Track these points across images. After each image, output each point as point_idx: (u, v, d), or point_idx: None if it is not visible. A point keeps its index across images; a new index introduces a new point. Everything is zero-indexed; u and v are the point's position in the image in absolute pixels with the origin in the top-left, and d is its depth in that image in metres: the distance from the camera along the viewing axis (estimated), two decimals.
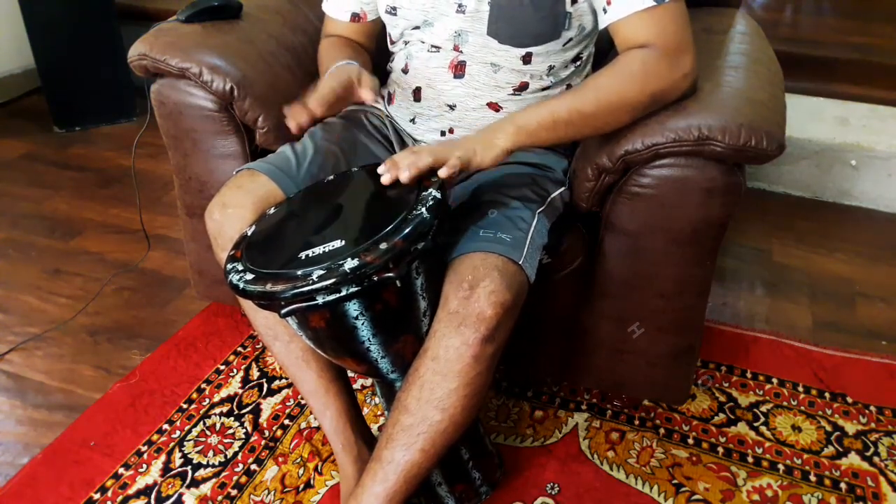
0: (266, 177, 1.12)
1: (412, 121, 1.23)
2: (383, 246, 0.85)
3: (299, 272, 0.86)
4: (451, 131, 1.19)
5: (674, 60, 1.01)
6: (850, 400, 1.43)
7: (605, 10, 1.04)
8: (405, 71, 1.20)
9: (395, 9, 1.14)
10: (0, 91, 2.73)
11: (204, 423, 1.38)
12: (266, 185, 1.11)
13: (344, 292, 0.85)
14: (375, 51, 1.31)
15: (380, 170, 0.96)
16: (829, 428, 1.37)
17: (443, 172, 0.94)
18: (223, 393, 1.45)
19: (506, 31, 1.08)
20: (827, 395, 1.44)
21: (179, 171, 1.40)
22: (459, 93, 1.15)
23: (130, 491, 1.25)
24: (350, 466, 1.15)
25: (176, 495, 1.25)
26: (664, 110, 1.04)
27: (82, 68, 2.49)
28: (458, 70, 1.14)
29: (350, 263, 0.84)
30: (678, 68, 1.01)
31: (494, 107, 1.15)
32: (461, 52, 1.13)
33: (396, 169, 0.94)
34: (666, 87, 1.02)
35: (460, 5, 1.08)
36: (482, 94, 1.15)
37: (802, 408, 1.42)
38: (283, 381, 1.48)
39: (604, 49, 1.26)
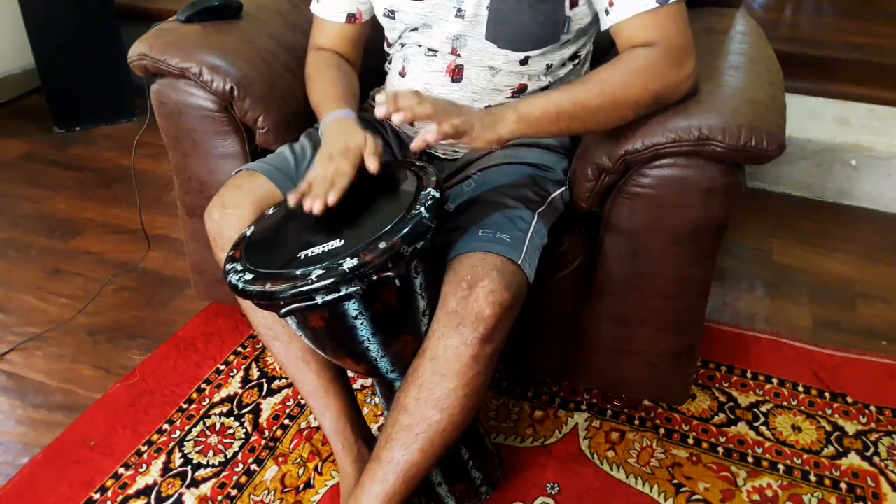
0: (265, 177, 1.12)
1: (411, 123, 1.22)
2: (382, 245, 0.85)
3: (298, 272, 0.86)
4: None
5: (677, 61, 1.00)
6: (850, 400, 1.43)
7: (607, 12, 1.04)
8: (402, 74, 1.20)
9: (392, 12, 1.13)
10: (0, 91, 2.73)
11: (204, 423, 1.38)
12: (265, 186, 1.11)
13: (343, 292, 0.85)
14: (363, 57, 1.30)
15: (378, 99, 0.93)
16: (829, 428, 1.37)
17: (429, 136, 0.92)
18: (223, 393, 1.45)
19: (505, 36, 1.08)
20: (827, 395, 1.44)
21: (179, 171, 1.40)
22: (458, 97, 1.15)
23: (130, 491, 1.25)
24: (350, 466, 1.15)
25: (176, 495, 1.25)
26: (664, 110, 1.03)
27: (82, 68, 2.49)
28: (456, 74, 1.14)
29: (349, 263, 0.84)
30: (681, 69, 1.01)
31: None
32: (459, 55, 1.12)
33: (395, 105, 0.91)
34: (669, 86, 1.01)
35: (459, 10, 1.08)
36: (481, 97, 1.14)
37: (802, 408, 1.41)
38: (283, 381, 1.48)
39: (603, 48, 1.26)
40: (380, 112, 0.92)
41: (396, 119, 0.91)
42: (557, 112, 0.99)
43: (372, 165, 1.00)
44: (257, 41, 1.34)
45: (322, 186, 0.97)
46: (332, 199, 0.95)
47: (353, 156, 1.01)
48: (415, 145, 0.95)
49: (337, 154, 1.01)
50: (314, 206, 0.95)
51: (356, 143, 1.02)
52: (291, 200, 0.98)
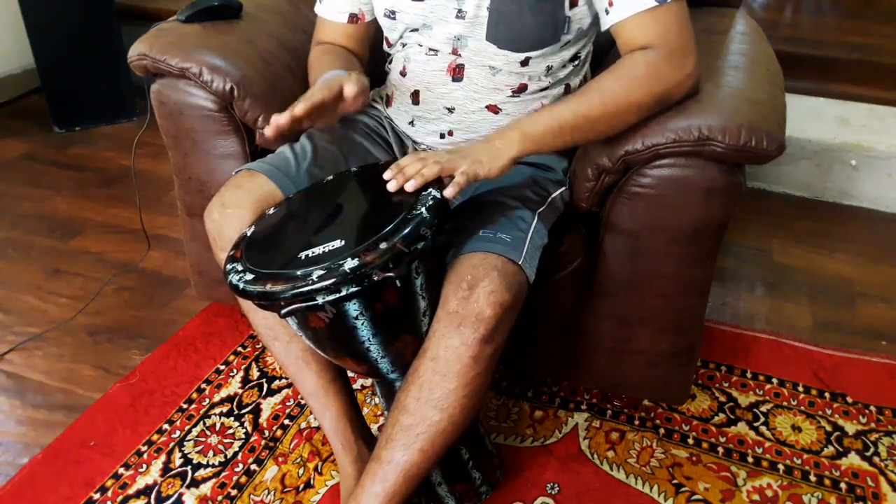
0: (265, 177, 1.12)
1: (411, 123, 1.23)
2: (383, 246, 0.85)
3: (299, 272, 0.86)
4: (450, 133, 1.19)
5: (677, 61, 1.01)
6: (850, 400, 1.43)
7: (607, 12, 1.04)
8: (403, 74, 1.20)
9: (393, 13, 1.13)
10: (0, 91, 2.73)
11: (204, 423, 1.38)
12: (265, 186, 1.11)
13: (344, 292, 0.84)
14: (369, 58, 1.30)
15: (386, 175, 0.95)
16: (829, 428, 1.37)
17: (449, 193, 0.93)
18: (223, 393, 1.45)
19: (505, 37, 1.08)
20: (827, 395, 1.44)
21: (179, 171, 1.40)
22: (458, 96, 1.15)
23: (130, 491, 1.25)
24: (350, 466, 1.15)
25: (176, 495, 1.25)
26: (665, 110, 1.04)
27: (82, 68, 2.49)
28: (457, 73, 1.14)
29: (350, 263, 0.84)
30: (682, 69, 1.01)
31: (493, 109, 1.15)
32: (459, 55, 1.12)
33: (403, 176, 0.94)
34: (671, 87, 1.01)
35: (460, 11, 1.08)
36: (481, 96, 1.14)
37: (802, 408, 1.42)
38: (283, 381, 1.48)
39: (603, 48, 1.26)
40: (391, 186, 0.94)
41: (409, 187, 0.92)
42: (560, 126, 1.00)
43: (348, 89, 1.01)
44: (257, 41, 1.34)
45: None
46: (298, 108, 0.97)
47: (331, 83, 1.03)
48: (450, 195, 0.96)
49: (317, 84, 1.04)
50: (277, 118, 0.97)
51: (338, 75, 1.04)
52: (268, 131, 0.99)
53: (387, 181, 0.95)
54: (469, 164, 0.97)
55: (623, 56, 1.04)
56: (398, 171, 0.95)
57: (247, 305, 1.11)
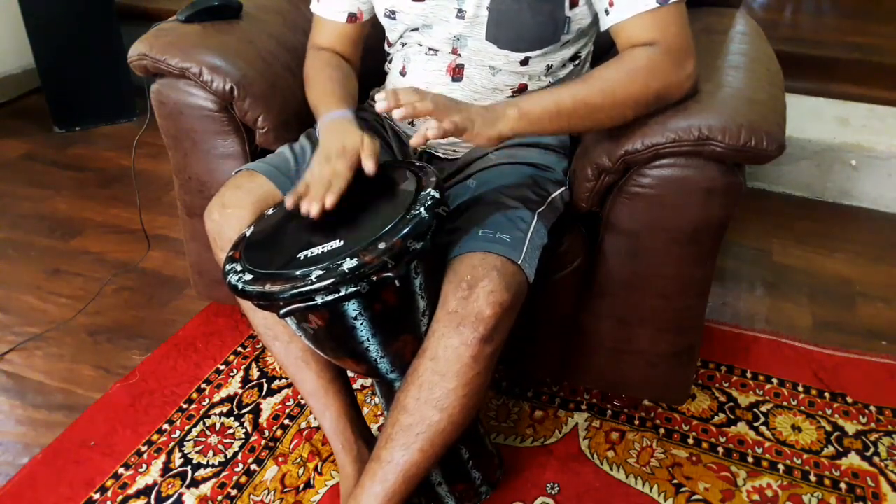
0: (265, 177, 1.12)
1: (411, 123, 1.23)
2: (382, 245, 0.85)
3: (298, 272, 0.86)
4: None
5: (677, 61, 1.00)
6: (850, 400, 1.43)
7: (607, 12, 1.04)
8: (402, 73, 1.20)
9: (393, 13, 1.13)
10: (0, 91, 2.73)
11: (204, 423, 1.38)
12: (265, 186, 1.11)
13: (343, 292, 0.85)
14: (363, 58, 1.29)
15: (378, 97, 0.92)
16: (829, 428, 1.37)
17: (430, 132, 0.91)
18: (223, 393, 1.45)
19: (505, 37, 1.08)
20: (827, 395, 1.44)
21: (179, 171, 1.40)
22: (458, 96, 1.14)
23: (130, 491, 1.25)
24: (350, 466, 1.15)
25: (176, 495, 1.25)
26: (664, 110, 1.03)
27: (82, 68, 2.49)
28: (457, 73, 1.14)
29: (349, 263, 0.84)
30: (681, 69, 1.01)
31: None
32: (459, 55, 1.12)
33: (395, 101, 0.90)
34: (670, 85, 1.01)
35: (460, 11, 1.08)
36: (481, 97, 1.14)
37: (802, 408, 1.41)
38: (283, 381, 1.48)
39: (603, 48, 1.26)
40: (380, 107, 0.91)
41: (397, 115, 0.90)
42: (558, 109, 0.98)
43: (368, 166, 0.99)
44: (257, 41, 1.34)
45: (319, 189, 0.96)
46: (328, 202, 0.95)
47: (350, 157, 1.00)
48: (414, 140, 0.94)
49: (334, 155, 1.01)
50: (311, 209, 0.94)
51: (353, 144, 1.02)
52: (288, 202, 0.98)
53: (380, 100, 0.91)
54: (461, 118, 0.93)
55: (624, 52, 1.04)
56: (393, 98, 0.90)
57: (246, 305, 1.11)
